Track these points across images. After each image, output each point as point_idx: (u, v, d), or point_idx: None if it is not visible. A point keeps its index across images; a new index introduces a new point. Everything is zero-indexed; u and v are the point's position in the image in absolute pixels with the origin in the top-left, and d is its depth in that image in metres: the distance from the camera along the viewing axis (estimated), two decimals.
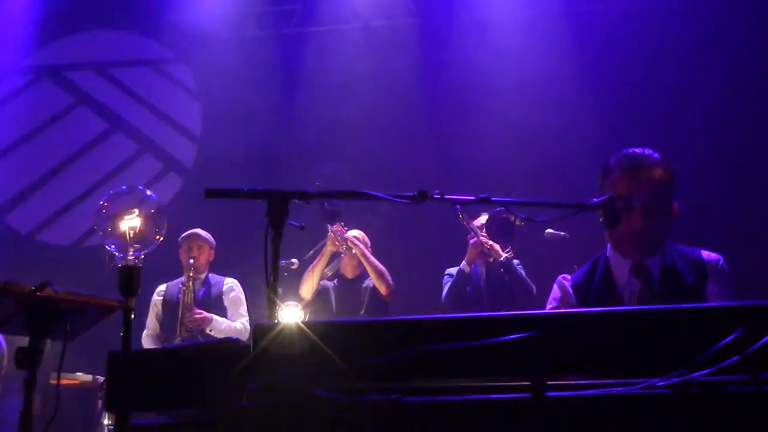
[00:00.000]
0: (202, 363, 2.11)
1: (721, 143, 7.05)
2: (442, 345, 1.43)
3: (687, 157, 6.96)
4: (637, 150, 2.73)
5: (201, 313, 5.92)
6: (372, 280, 6.05)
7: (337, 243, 6.04)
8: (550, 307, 2.83)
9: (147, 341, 6.07)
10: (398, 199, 2.31)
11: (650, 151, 2.73)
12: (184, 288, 6.02)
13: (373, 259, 6.04)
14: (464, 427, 1.39)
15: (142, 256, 2.22)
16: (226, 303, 6.16)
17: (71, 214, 8.68)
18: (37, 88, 9.12)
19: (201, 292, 6.12)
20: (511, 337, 1.42)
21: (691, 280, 2.66)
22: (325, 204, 5.91)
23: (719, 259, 2.73)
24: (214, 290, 6.19)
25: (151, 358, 2.24)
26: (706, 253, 2.75)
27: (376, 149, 7.80)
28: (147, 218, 2.26)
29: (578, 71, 7.37)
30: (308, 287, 6.08)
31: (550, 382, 1.40)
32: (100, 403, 6.29)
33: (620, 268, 2.73)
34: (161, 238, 2.27)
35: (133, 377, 2.08)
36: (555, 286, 2.86)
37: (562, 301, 2.80)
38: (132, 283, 2.17)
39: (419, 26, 8.23)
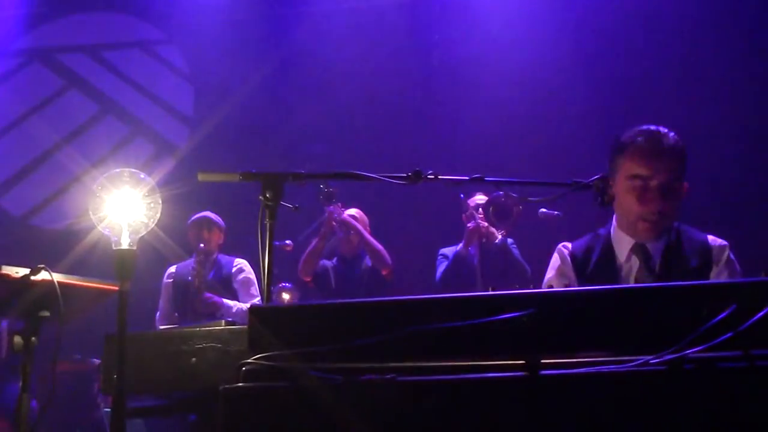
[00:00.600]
0: (197, 345, 2.12)
1: (712, 130, 7.05)
2: (438, 325, 1.44)
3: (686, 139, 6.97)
4: (653, 127, 2.66)
5: (211, 298, 5.91)
6: (370, 260, 6.06)
7: (335, 224, 6.05)
8: (549, 276, 2.80)
9: (161, 323, 6.06)
10: (392, 180, 2.31)
11: (666, 129, 2.67)
12: (195, 272, 6.01)
13: (371, 239, 6.04)
14: (459, 406, 1.40)
15: (137, 239, 2.22)
16: (235, 285, 6.13)
17: (64, 198, 8.65)
18: (28, 70, 9.06)
19: (211, 275, 6.11)
20: (506, 316, 1.43)
21: (694, 264, 2.63)
22: (321, 185, 5.91)
23: (725, 246, 2.68)
24: (224, 272, 6.18)
25: (147, 341, 2.25)
26: (712, 238, 2.70)
27: (370, 129, 7.79)
28: (141, 201, 2.25)
29: (570, 52, 7.35)
30: (307, 269, 6.08)
31: (544, 361, 1.41)
32: (96, 385, 6.30)
33: (622, 245, 2.70)
34: (155, 221, 2.27)
35: (129, 359, 2.09)
36: (555, 255, 2.83)
37: (560, 271, 2.77)
38: (127, 267, 2.17)
39: (411, 6, 8.19)
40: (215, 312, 5.89)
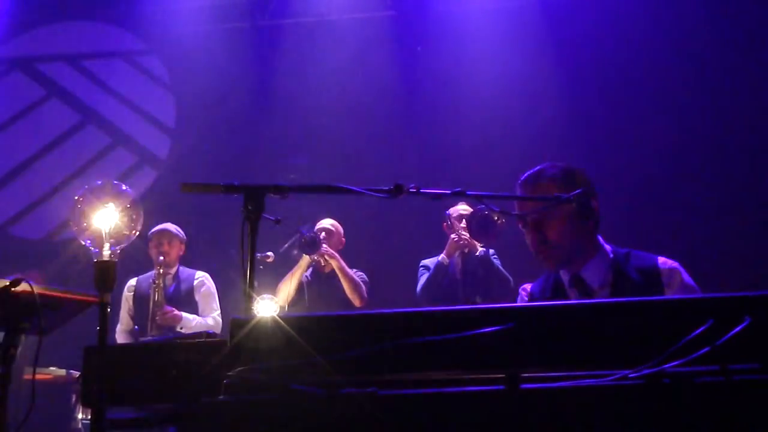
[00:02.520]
0: (178, 357, 2.12)
1: (694, 141, 7.12)
2: (418, 338, 1.45)
3: (660, 150, 7.04)
4: (529, 170, 2.73)
5: (171, 311, 5.88)
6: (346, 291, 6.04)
7: (316, 258, 6.06)
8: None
9: (120, 337, 6.03)
10: (374, 193, 2.32)
11: (540, 167, 2.71)
12: (155, 285, 5.98)
13: (349, 271, 6.03)
14: (440, 419, 1.40)
15: (118, 251, 2.21)
16: (197, 297, 6.12)
17: (44, 208, 8.60)
18: (9, 79, 9.02)
19: (172, 288, 6.08)
20: (487, 330, 1.44)
21: (641, 290, 2.53)
22: (302, 232, 5.91)
23: (675, 269, 2.59)
24: (184, 285, 6.16)
25: (127, 353, 2.24)
26: (662, 261, 2.61)
27: (353, 142, 7.80)
28: (122, 213, 2.25)
29: (554, 66, 7.42)
30: (283, 295, 6.07)
31: (524, 375, 1.42)
32: (74, 397, 6.25)
33: (564, 277, 2.71)
34: (137, 233, 2.27)
35: (109, 371, 2.08)
36: (518, 297, 2.88)
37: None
38: (108, 278, 2.16)
39: (395, 19, 8.23)
40: (175, 325, 5.87)
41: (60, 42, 9.03)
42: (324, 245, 6.01)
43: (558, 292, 2.71)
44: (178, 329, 5.88)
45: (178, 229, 6.22)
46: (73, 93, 8.93)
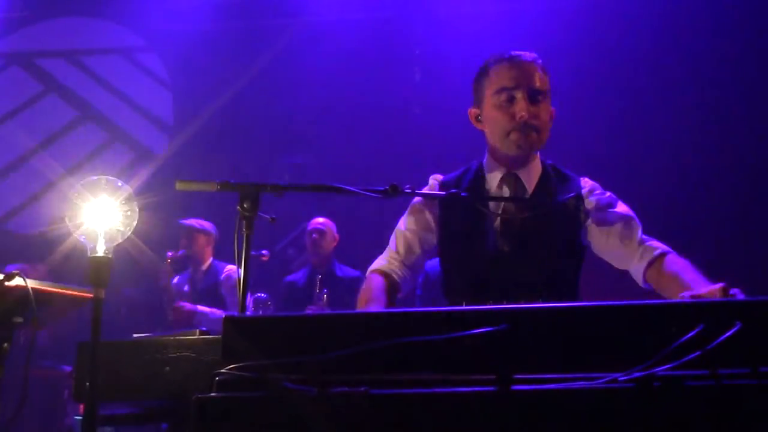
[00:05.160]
0: (171, 354, 2.12)
1: (688, 138, 7.14)
2: (411, 338, 1.45)
3: (652, 151, 7.05)
4: (513, 51, 2.72)
5: (183, 307, 5.88)
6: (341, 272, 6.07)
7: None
8: (416, 201, 2.82)
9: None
10: (369, 194, 2.33)
11: (525, 51, 2.73)
12: (163, 282, 6.01)
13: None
14: (431, 419, 1.41)
15: (113, 247, 2.21)
16: (223, 291, 6.11)
17: (40, 203, 8.59)
18: (7, 74, 9.01)
19: (202, 283, 6.10)
20: (478, 331, 1.44)
21: (565, 195, 2.66)
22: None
23: (595, 184, 2.74)
24: (212, 279, 6.17)
25: (120, 349, 2.24)
26: (584, 180, 2.75)
27: (349, 142, 7.81)
28: (118, 209, 2.25)
29: (555, 65, 7.40)
30: None
31: (516, 376, 1.42)
32: (66, 392, 6.25)
33: (494, 174, 2.73)
34: (132, 230, 2.27)
35: (102, 367, 2.08)
36: (427, 185, 2.84)
37: (425, 197, 2.78)
38: (102, 275, 2.16)
39: (392, 20, 8.22)
40: (190, 320, 5.87)
41: (58, 38, 9.02)
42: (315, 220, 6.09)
43: (479, 181, 2.73)
44: (194, 324, 5.86)
45: (203, 224, 6.21)
46: (71, 89, 8.92)
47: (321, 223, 6.26)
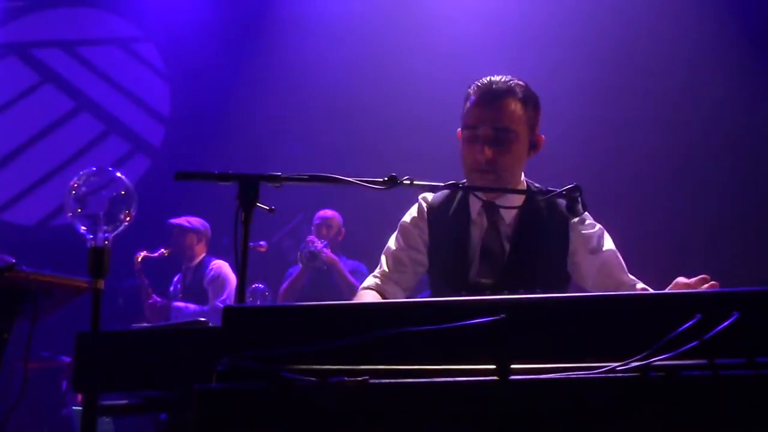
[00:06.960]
0: (171, 344, 2.12)
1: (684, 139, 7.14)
2: (410, 328, 1.46)
3: (649, 150, 7.06)
4: (495, 77, 2.64)
5: (156, 303, 5.92)
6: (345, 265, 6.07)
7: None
8: (405, 221, 2.83)
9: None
10: (368, 185, 2.33)
11: (508, 78, 2.64)
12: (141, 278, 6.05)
13: (347, 275, 6.00)
14: (430, 409, 1.42)
15: (112, 238, 2.22)
16: (205, 284, 6.14)
17: (37, 194, 8.58)
18: (3, 65, 8.98)
19: (190, 279, 6.13)
20: (477, 321, 1.45)
21: (549, 228, 2.63)
22: (302, 247, 5.93)
23: (585, 217, 2.64)
24: (198, 276, 6.20)
25: (119, 339, 2.24)
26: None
27: (347, 132, 7.80)
28: (116, 200, 2.25)
29: (547, 60, 7.40)
30: (289, 299, 6.09)
31: (514, 366, 1.43)
32: (64, 384, 6.26)
33: (474, 201, 2.71)
34: (130, 220, 2.27)
35: (101, 358, 2.09)
36: (415, 205, 2.85)
37: (413, 221, 2.80)
38: (101, 265, 2.17)
39: (389, 11, 8.20)
40: (165, 315, 5.90)
41: (55, 28, 8.99)
42: (324, 252, 6.00)
43: (463, 213, 2.71)
44: (170, 319, 5.89)
45: (192, 221, 6.23)
46: (68, 79, 8.90)
47: (329, 216, 6.24)
